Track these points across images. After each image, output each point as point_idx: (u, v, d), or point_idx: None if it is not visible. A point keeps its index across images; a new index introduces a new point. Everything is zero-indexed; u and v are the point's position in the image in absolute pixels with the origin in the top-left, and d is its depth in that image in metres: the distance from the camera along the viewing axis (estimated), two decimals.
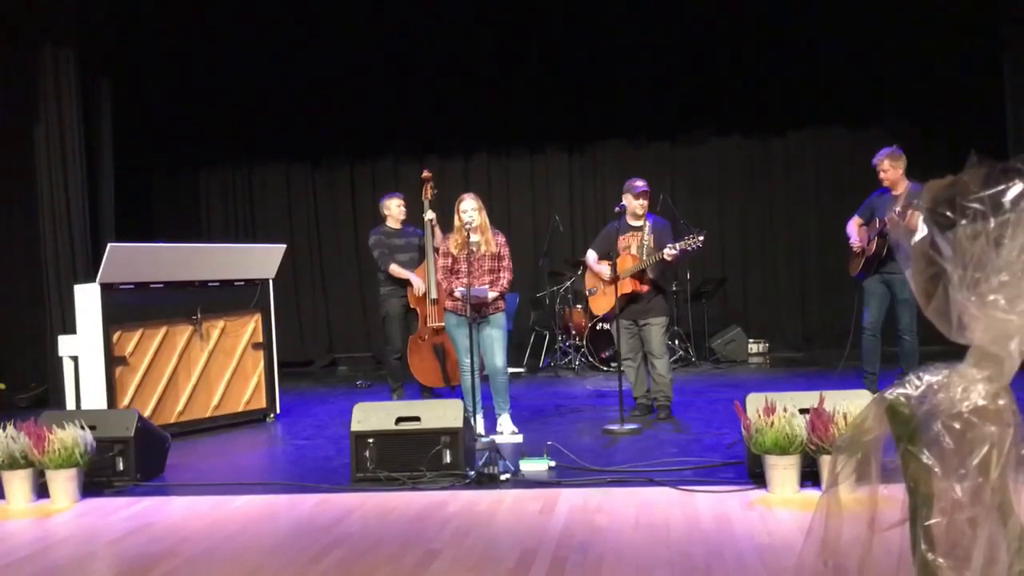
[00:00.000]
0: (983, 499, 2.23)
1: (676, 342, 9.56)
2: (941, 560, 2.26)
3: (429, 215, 7.34)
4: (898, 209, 6.18)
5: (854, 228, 6.93)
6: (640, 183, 6.61)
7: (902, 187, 6.56)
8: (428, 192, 7.41)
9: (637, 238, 6.56)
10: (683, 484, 4.69)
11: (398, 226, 7.60)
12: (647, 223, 6.60)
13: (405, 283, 7.40)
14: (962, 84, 9.30)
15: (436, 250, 6.98)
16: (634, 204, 6.56)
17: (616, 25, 9.92)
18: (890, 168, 6.58)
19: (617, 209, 6.45)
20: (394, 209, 7.60)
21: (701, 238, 6.35)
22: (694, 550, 3.71)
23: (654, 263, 6.41)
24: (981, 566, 2.21)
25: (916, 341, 6.65)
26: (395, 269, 7.39)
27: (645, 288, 6.49)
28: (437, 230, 7.31)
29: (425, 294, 7.29)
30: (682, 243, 6.32)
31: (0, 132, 8.61)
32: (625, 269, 6.47)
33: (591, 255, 6.77)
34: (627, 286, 6.47)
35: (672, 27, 9.80)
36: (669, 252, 6.30)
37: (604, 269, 6.58)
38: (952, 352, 2.41)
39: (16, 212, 8.86)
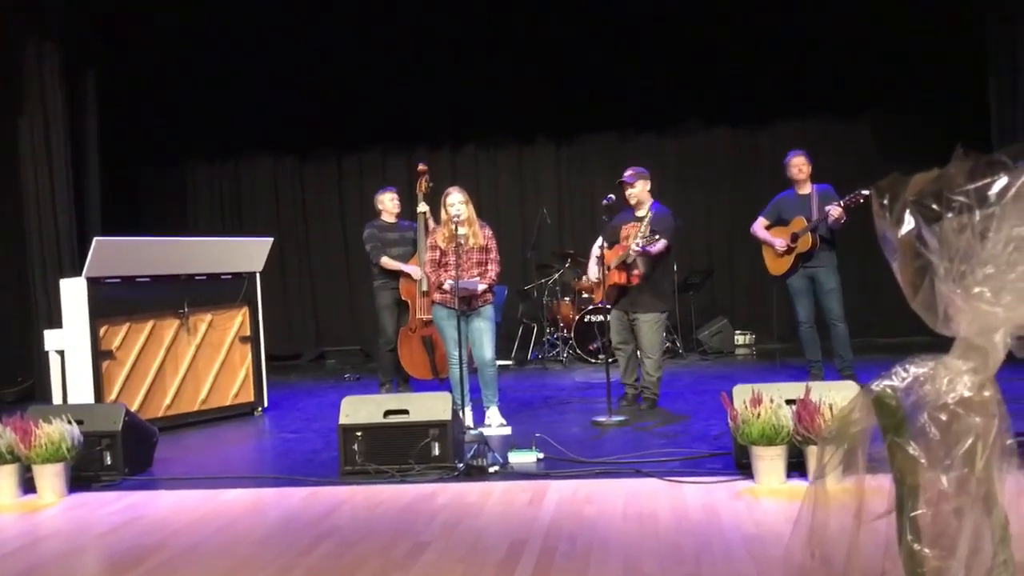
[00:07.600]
0: (968, 490, 2.25)
1: (664, 334, 9.57)
2: (927, 550, 2.28)
3: (422, 208, 7.34)
4: (840, 205, 6.63)
5: (761, 230, 7.09)
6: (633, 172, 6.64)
7: (807, 188, 7.01)
8: (423, 185, 7.42)
9: (636, 228, 6.51)
10: (671, 475, 4.71)
11: (392, 220, 7.60)
12: (649, 212, 6.39)
13: (397, 275, 7.41)
14: (948, 77, 9.34)
15: None
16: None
17: (604, 17, 9.91)
18: (804, 167, 7.00)
19: (605, 202, 6.44)
20: (388, 203, 7.60)
21: (661, 241, 6.23)
22: (682, 540, 3.73)
23: (633, 256, 6.28)
24: (966, 556, 2.23)
25: (846, 327, 6.96)
26: (386, 261, 7.40)
27: (634, 281, 6.39)
28: (431, 223, 7.29)
29: (416, 285, 7.31)
30: (645, 240, 6.16)
31: None
32: (615, 258, 6.46)
33: (599, 244, 6.66)
34: (612, 277, 6.42)
35: (660, 19, 9.79)
36: (634, 249, 6.19)
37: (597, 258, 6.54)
38: (938, 344, 2.43)
39: (0, 206, 8.80)
